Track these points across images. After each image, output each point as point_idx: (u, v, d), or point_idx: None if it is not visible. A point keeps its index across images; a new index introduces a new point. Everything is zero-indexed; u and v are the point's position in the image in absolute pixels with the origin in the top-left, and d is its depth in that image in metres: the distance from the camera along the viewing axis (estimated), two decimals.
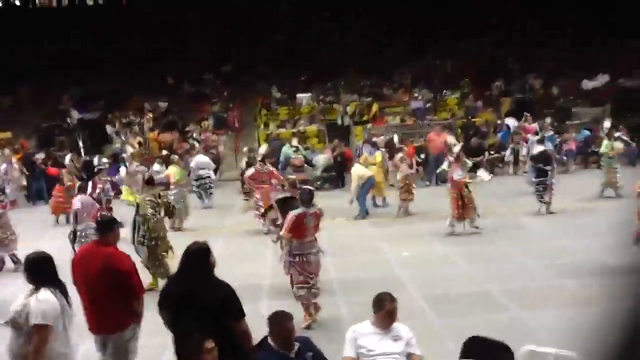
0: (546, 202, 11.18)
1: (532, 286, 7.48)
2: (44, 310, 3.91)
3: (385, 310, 4.12)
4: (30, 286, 4.09)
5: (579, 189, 13.12)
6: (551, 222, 10.78)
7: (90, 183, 11.01)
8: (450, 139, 14.16)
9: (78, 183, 10.96)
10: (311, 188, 7.19)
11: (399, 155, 12.29)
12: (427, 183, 15.40)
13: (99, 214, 9.38)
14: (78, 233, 9.15)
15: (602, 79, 21.60)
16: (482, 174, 10.90)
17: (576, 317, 5.94)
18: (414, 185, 12.16)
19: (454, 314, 6.68)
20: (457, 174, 10.21)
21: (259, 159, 12.32)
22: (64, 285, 4.21)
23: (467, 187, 10.24)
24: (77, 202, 9.40)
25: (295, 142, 15.99)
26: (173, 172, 12.48)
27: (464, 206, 10.10)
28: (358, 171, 12.10)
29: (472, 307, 6.86)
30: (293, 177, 10.47)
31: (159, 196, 8.43)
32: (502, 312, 6.68)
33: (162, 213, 8.43)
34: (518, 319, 6.47)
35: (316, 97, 22.00)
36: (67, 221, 11.89)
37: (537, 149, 12.04)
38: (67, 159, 16.96)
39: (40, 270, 4.11)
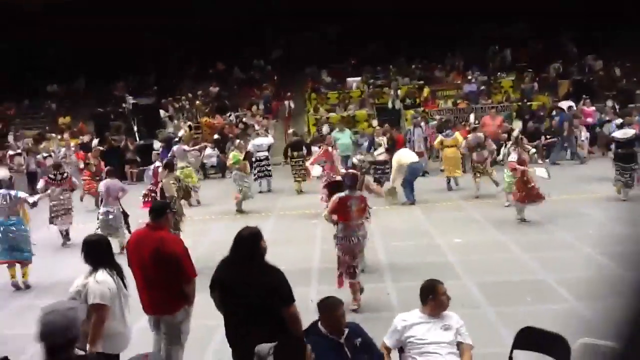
0: (630, 187, 10.74)
1: (589, 276, 7.20)
2: (102, 291, 4.07)
3: (434, 298, 4.05)
4: (89, 267, 4.25)
5: None
6: (612, 209, 10.34)
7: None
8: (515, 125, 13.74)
9: (106, 168, 11.34)
10: (355, 172, 7.17)
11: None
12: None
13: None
14: (99, 214, 9.74)
15: None
16: (541, 172, 10.52)
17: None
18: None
19: (508, 302, 6.51)
20: (511, 158, 9.91)
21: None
22: (120, 267, 4.35)
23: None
24: (102, 185, 9.93)
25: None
26: (231, 155, 12.71)
27: (527, 189, 9.76)
28: (397, 158, 11.94)
29: (527, 296, 6.66)
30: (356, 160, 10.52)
31: (179, 180, 8.85)
32: (557, 303, 6.46)
33: (181, 195, 8.84)
34: (574, 309, 6.24)
35: (366, 80, 21.81)
36: (96, 204, 12.33)
37: (624, 132, 11.32)
38: (94, 143, 17.41)
39: (98, 253, 4.27)
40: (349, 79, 21.79)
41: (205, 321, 5.35)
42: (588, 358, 3.85)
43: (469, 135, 12.53)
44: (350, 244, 6.55)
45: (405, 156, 11.96)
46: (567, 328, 4.37)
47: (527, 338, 4.25)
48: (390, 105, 19.87)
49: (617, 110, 16.45)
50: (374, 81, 21.90)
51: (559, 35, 22.90)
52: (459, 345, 4.00)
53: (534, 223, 9.84)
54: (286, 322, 3.80)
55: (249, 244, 3.99)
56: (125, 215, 9.77)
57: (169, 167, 9.18)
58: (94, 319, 4.03)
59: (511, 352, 4.25)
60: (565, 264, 7.70)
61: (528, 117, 17.13)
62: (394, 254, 8.51)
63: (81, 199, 12.40)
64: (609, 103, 17.45)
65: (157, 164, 12.06)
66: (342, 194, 6.52)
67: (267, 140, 15.00)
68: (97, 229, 9.35)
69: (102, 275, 4.15)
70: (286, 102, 21.10)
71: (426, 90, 20.10)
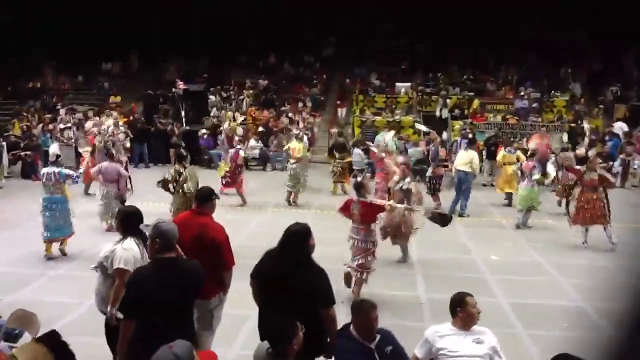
0: None
1: (628, 306, 6.95)
2: (127, 256, 4.31)
3: (462, 310, 3.98)
4: (119, 236, 4.51)
5: None
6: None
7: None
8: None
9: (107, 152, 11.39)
10: (359, 179, 7.57)
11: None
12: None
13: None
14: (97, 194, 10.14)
15: None
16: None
17: None
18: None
19: (542, 326, 6.35)
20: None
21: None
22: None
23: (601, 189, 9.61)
24: (96, 168, 10.17)
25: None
26: (297, 147, 12.85)
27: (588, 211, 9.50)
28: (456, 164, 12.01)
29: (563, 322, 6.48)
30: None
31: (179, 173, 8.73)
32: (594, 330, 6.27)
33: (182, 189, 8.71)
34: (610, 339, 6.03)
35: (416, 87, 21.62)
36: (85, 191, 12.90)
37: None
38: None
39: (130, 222, 4.46)
40: (398, 84, 21.63)
41: (238, 311, 5.40)
42: None
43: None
44: (351, 243, 7.06)
45: (460, 163, 11.99)
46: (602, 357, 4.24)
47: None
48: (437, 114, 19.66)
49: None
50: (423, 88, 21.70)
51: (621, 54, 22.15)
52: None
53: (575, 247, 9.58)
54: (322, 324, 3.80)
55: (298, 239, 4.01)
56: (122, 200, 9.74)
57: (181, 157, 9.11)
58: (117, 283, 4.30)
59: None
60: (605, 291, 7.46)
61: (580, 139, 16.66)
62: (429, 266, 8.41)
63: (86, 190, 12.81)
64: None
65: (238, 146, 12.60)
66: (352, 197, 7.16)
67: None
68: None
69: (130, 242, 4.39)
70: (342, 110, 21.09)
71: (476, 102, 19.78)
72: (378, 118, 19.25)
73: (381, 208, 7.05)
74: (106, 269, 4.44)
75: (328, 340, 3.92)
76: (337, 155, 14.06)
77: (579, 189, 9.73)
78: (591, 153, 10.28)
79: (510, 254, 9.21)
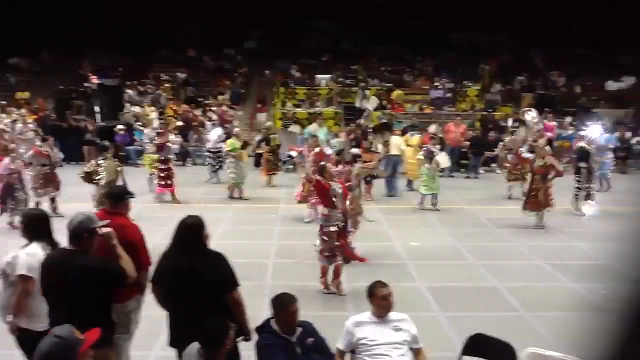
0: (580, 200, 11.23)
1: (540, 287, 7.39)
2: (30, 263, 4.05)
3: (373, 300, 4.06)
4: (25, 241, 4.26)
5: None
6: (571, 221, 10.61)
7: None
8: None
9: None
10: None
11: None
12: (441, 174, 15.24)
13: None
14: None
15: (628, 81, 21.19)
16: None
17: (584, 322, 5.85)
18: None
19: (459, 308, 6.62)
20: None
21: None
22: (57, 244, 4.25)
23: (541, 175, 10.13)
24: None
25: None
26: (229, 142, 12.74)
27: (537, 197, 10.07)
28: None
29: (478, 303, 6.78)
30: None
31: (98, 165, 9.39)
32: (508, 311, 6.60)
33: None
34: (524, 319, 6.39)
35: (336, 79, 21.82)
36: None
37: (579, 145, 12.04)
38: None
39: (34, 227, 4.24)
40: (319, 76, 21.77)
41: (156, 312, 5.24)
42: None
43: None
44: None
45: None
46: (515, 336, 4.47)
47: (476, 344, 4.31)
48: (357, 104, 19.90)
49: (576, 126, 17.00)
50: (343, 80, 21.94)
51: (529, 49, 23.39)
52: (412, 349, 4.02)
53: (487, 232, 10.05)
54: (229, 308, 3.78)
55: (193, 232, 3.95)
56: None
57: (103, 149, 9.60)
58: (19, 290, 4.06)
59: (460, 357, 4.31)
60: (518, 273, 7.88)
61: (491, 127, 17.46)
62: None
63: None
64: (568, 119, 17.97)
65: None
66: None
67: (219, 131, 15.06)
68: None
69: (34, 248, 4.14)
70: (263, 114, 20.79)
71: (396, 93, 20.27)
72: (299, 110, 19.30)
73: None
74: (8, 275, 4.19)
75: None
76: (267, 148, 14.09)
77: (531, 176, 10.31)
78: (541, 142, 10.85)
79: (429, 240, 9.51)
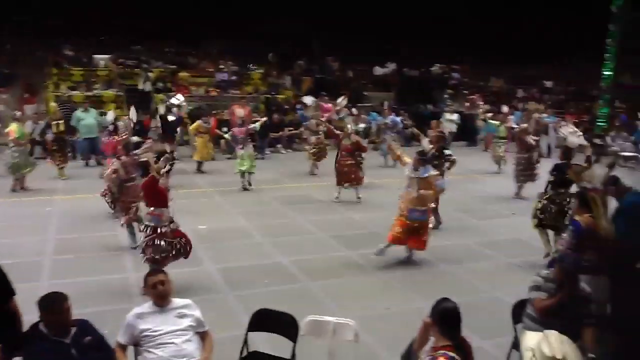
0: None
1: (321, 257, 7.95)
2: None
3: (149, 286, 3.99)
4: None
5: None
6: (340, 196, 11.56)
7: None
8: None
9: None
10: None
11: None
12: (229, 156, 15.45)
13: None
14: None
15: (391, 67, 23.68)
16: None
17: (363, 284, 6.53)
18: None
19: (246, 286, 6.83)
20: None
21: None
22: None
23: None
24: None
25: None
26: (13, 129, 11.35)
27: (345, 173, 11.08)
28: None
29: (264, 279, 7.08)
30: None
31: None
32: (293, 283, 7.00)
33: None
34: (307, 288, 6.84)
35: (116, 59, 20.51)
36: None
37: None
38: None
39: None
40: (96, 56, 20.23)
41: None
42: (314, 332, 4.28)
43: None
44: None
45: None
46: (301, 306, 4.78)
47: (261, 319, 4.52)
48: (140, 87, 19.06)
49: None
50: (124, 61, 20.72)
51: (309, 36, 24.62)
52: (199, 332, 4.02)
53: (273, 209, 10.53)
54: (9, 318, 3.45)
55: None
56: None
57: None
58: None
59: (246, 334, 4.47)
60: (300, 246, 8.40)
61: (274, 109, 18.13)
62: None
63: None
64: (341, 101, 19.44)
65: None
66: None
67: None
68: None
69: None
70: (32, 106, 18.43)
71: (182, 75, 19.88)
72: (75, 93, 17.76)
73: None
74: None
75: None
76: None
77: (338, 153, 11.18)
78: (348, 123, 11.74)
79: (219, 222, 9.61)
